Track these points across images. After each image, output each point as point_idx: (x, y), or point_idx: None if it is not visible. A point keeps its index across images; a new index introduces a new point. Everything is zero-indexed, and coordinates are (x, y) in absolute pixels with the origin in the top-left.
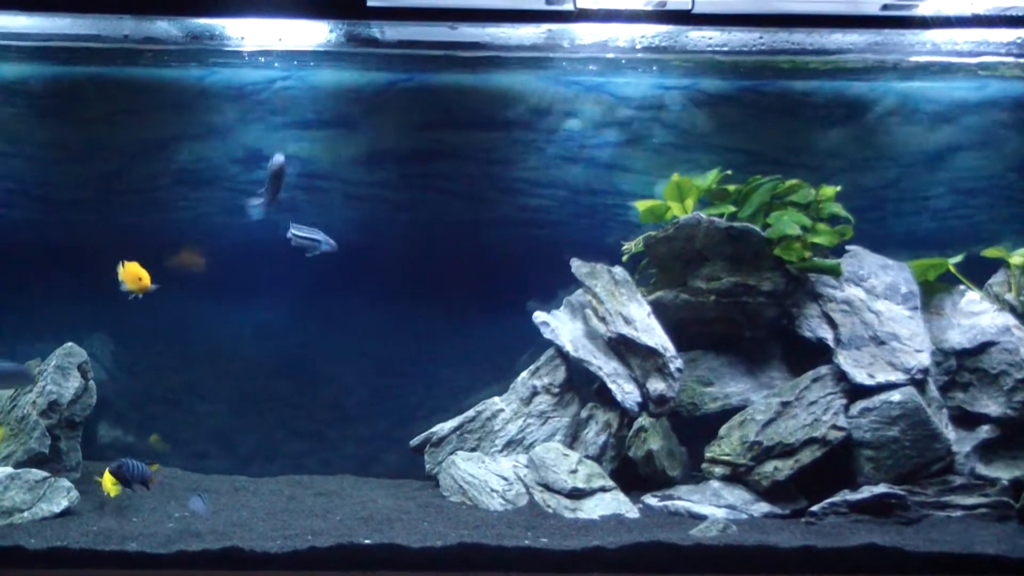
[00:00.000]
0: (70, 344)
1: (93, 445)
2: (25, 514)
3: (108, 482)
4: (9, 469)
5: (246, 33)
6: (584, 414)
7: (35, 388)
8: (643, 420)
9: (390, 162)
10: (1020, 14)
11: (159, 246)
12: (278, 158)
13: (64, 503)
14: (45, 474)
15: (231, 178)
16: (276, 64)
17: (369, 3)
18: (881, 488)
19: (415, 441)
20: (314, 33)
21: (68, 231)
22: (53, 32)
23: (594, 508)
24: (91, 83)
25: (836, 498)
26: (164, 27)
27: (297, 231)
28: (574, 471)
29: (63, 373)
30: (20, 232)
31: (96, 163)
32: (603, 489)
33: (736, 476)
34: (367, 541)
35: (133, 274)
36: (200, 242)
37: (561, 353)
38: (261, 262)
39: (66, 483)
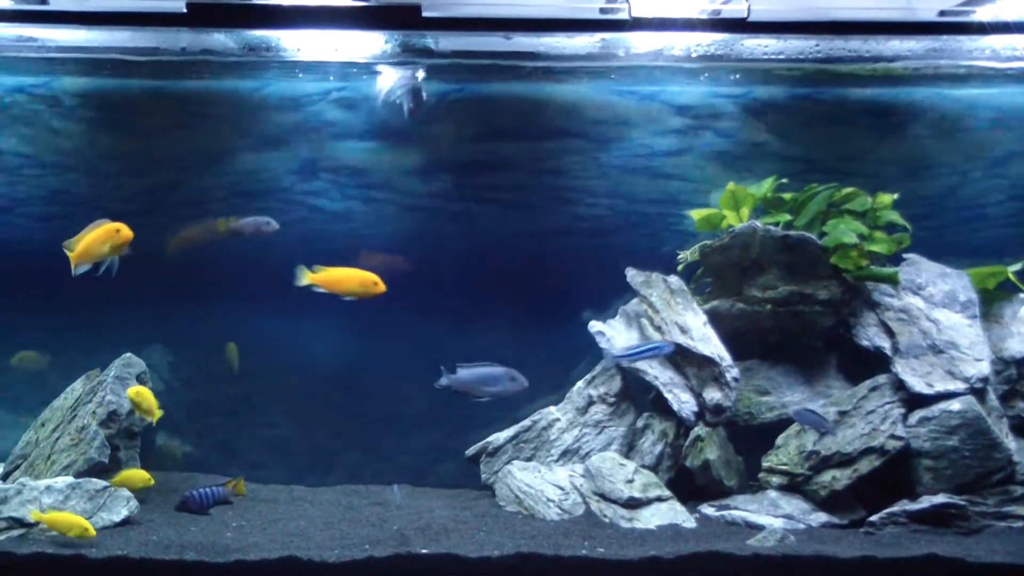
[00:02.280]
0: (128, 354)
1: (151, 455)
2: None
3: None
4: (70, 479)
5: (302, 44)
6: (640, 424)
7: (94, 398)
8: (700, 430)
9: (445, 172)
10: None
11: (216, 256)
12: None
13: (124, 512)
14: (105, 483)
15: (287, 188)
16: (332, 75)
17: (425, 14)
18: (941, 498)
19: (471, 451)
20: (370, 44)
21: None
22: (112, 45)
23: (651, 518)
24: (148, 96)
25: (895, 508)
26: (221, 39)
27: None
28: (630, 481)
29: (122, 383)
30: None
31: (154, 175)
32: (660, 499)
33: (793, 486)
34: (424, 551)
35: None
36: (256, 253)
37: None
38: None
39: (126, 493)
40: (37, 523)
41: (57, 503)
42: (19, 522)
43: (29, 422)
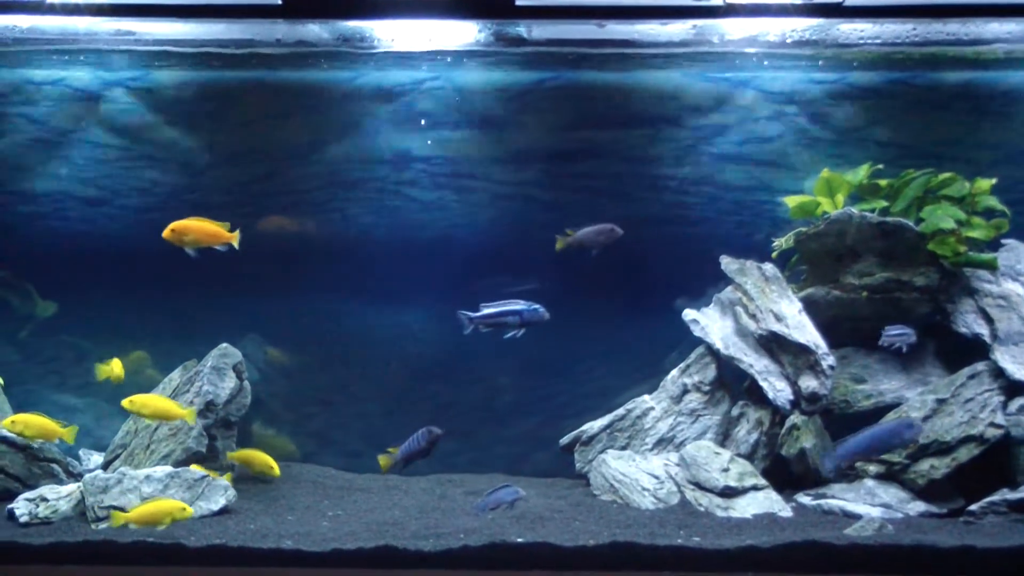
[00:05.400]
0: (225, 345)
1: (248, 444)
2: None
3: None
4: (169, 468)
5: (396, 35)
6: (735, 412)
7: (191, 388)
8: (795, 418)
9: (537, 161)
10: None
11: (309, 247)
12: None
13: (222, 501)
14: (203, 473)
15: (381, 178)
16: (425, 65)
17: (518, 2)
18: None
19: (565, 440)
20: (463, 33)
21: None
22: (208, 38)
23: (746, 507)
24: (244, 87)
25: (995, 497)
26: (315, 31)
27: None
28: (726, 469)
29: (219, 373)
30: None
31: (249, 166)
32: (755, 487)
33: (891, 474)
34: (520, 540)
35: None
36: (351, 243)
37: (711, 351)
38: (411, 263)
39: (223, 482)
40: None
41: (156, 492)
42: (120, 511)
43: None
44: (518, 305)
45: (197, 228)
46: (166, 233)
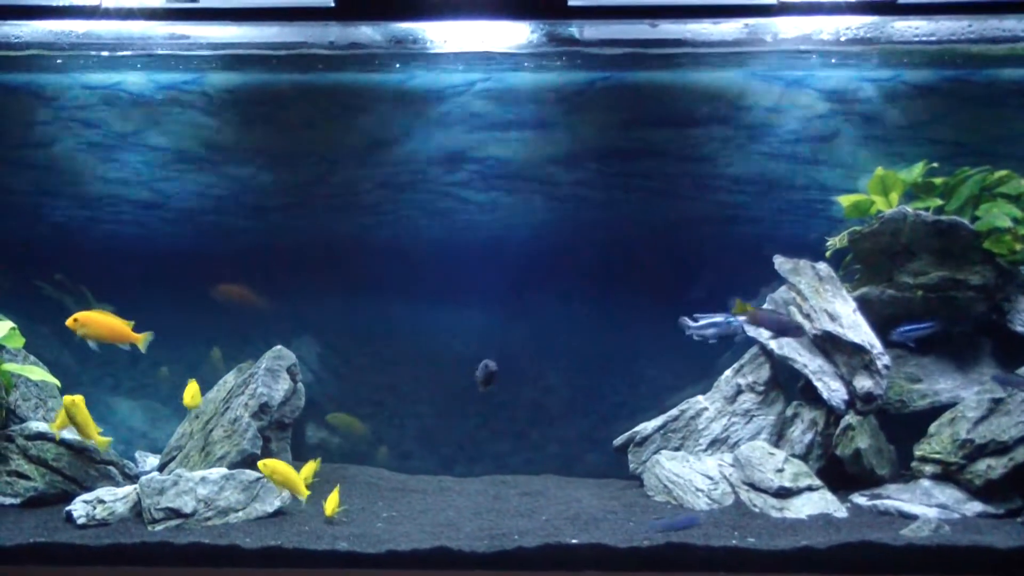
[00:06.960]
0: (279, 347)
1: (302, 446)
2: (240, 513)
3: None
4: (224, 470)
5: (448, 37)
6: (789, 412)
7: (246, 390)
8: (850, 418)
9: (590, 161)
10: None
11: (362, 249)
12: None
13: (277, 503)
14: (258, 474)
15: (432, 180)
16: (477, 66)
17: (570, 2)
18: None
19: (619, 440)
20: (515, 34)
21: (275, 236)
22: (262, 41)
23: (801, 507)
24: (296, 90)
25: None
26: (368, 33)
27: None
28: (780, 470)
29: (273, 375)
30: (230, 237)
31: (302, 168)
32: (810, 488)
33: (947, 475)
34: (574, 541)
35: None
36: (403, 245)
37: (765, 351)
38: (462, 264)
39: None
40: (193, 513)
41: (212, 494)
42: (176, 512)
43: (184, 414)
44: (718, 318)
45: (98, 322)
46: (69, 322)
